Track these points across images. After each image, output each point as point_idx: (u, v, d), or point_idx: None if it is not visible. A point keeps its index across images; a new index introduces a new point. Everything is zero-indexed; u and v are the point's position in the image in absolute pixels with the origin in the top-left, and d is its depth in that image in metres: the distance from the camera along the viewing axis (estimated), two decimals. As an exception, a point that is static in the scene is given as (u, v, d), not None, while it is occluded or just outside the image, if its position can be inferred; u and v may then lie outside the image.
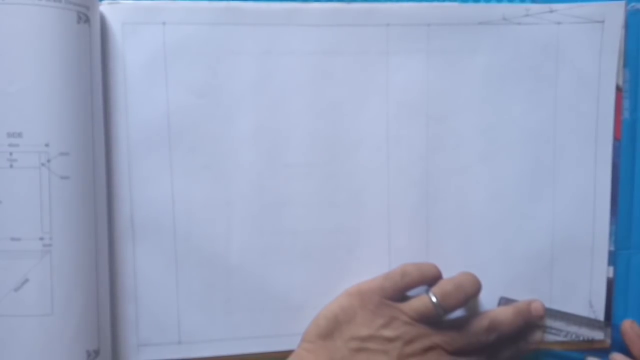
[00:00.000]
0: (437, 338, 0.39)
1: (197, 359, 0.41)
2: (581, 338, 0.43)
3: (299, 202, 0.41)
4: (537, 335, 0.42)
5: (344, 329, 0.38)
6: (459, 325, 0.40)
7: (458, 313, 0.40)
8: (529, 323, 0.41)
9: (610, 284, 0.43)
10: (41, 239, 0.36)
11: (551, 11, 0.42)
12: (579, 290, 0.43)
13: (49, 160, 0.36)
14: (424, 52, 0.41)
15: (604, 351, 0.43)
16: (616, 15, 0.42)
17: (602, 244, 0.43)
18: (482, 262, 0.42)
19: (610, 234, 0.43)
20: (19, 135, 0.35)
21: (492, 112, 0.42)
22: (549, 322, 0.42)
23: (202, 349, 0.41)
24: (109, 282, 0.39)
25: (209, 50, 0.40)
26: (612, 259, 0.43)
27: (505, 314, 0.40)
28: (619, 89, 0.42)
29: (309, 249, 0.41)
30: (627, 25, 0.42)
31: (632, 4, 0.42)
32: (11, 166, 0.35)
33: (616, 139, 0.42)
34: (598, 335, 0.43)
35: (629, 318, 0.43)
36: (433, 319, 0.39)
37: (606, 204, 0.43)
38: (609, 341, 0.43)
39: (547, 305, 0.42)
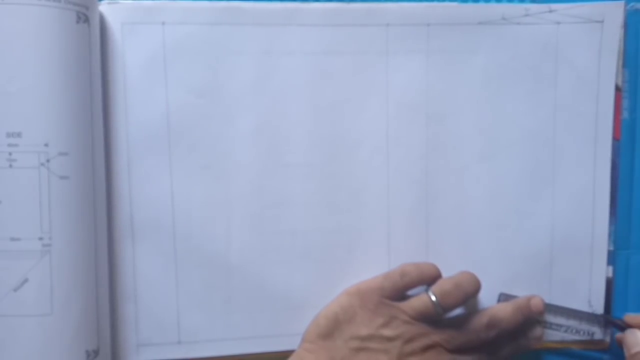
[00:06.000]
0: (436, 336, 0.39)
1: (197, 359, 0.41)
2: (581, 333, 0.43)
3: (299, 202, 0.41)
4: (537, 331, 0.42)
5: (344, 329, 0.38)
6: (458, 323, 0.40)
7: (457, 311, 0.41)
8: (529, 319, 0.41)
9: (609, 283, 0.43)
10: (40, 239, 0.35)
11: (550, 11, 0.42)
12: (578, 289, 0.43)
13: (48, 160, 0.35)
14: (423, 52, 0.41)
15: (604, 352, 0.43)
16: (615, 15, 0.42)
17: (602, 244, 0.43)
18: (481, 261, 0.42)
19: (610, 234, 0.43)
20: (19, 135, 0.35)
21: (492, 112, 0.42)
22: (549, 318, 0.42)
23: (202, 349, 0.41)
24: (109, 282, 0.39)
25: (209, 50, 0.40)
26: (611, 258, 0.43)
27: (504, 310, 0.40)
28: (618, 89, 0.42)
29: (309, 249, 0.41)
30: (627, 25, 0.42)
31: (632, 3, 0.42)
32: (10, 166, 0.35)
33: (615, 139, 0.43)
34: (598, 331, 0.43)
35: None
36: (433, 318, 0.39)
37: (605, 204, 0.43)
38: (608, 340, 0.43)
39: (547, 304, 0.42)
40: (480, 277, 0.40)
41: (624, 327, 0.41)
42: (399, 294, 0.40)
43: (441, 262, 0.41)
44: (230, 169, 0.41)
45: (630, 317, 0.41)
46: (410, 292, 0.40)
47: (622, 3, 0.42)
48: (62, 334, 0.36)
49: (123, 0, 0.39)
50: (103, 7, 0.39)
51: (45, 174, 0.35)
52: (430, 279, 0.40)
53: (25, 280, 0.35)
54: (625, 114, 0.43)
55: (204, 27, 0.40)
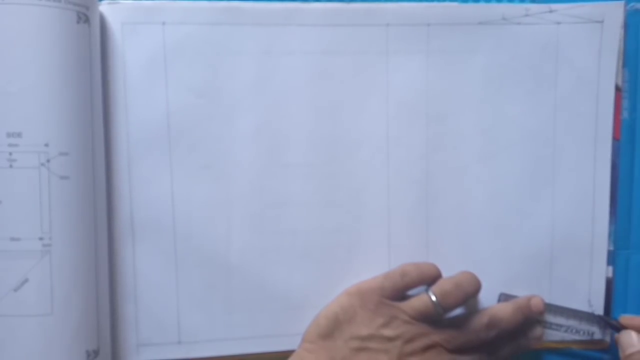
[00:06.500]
0: (437, 336, 0.39)
1: (197, 359, 0.41)
2: (581, 333, 0.43)
3: (299, 202, 0.41)
4: (537, 331, 0.42)
5: (345, 329, 0.38)
6: (458, 323, 0.40)
7: (458, 311, 0.41)
8: (529, 319, 0.41)
9: (609, 283, 0.43)
10: (41, 239, 0.36)
11: (551, 11, 0.42)
12: (578, 289, 0.43)
13: (48, 160, 0.35)
14: (423, 52, 0.41)
15: (604, 352, 0.43)
16: (615, 15, 0.42)
17: (601, 244, 0.43)
18: (481, 261, 0.42)
19: (610, 234, 0.43)
20: (19, 135, 0.35)
21: (492, 112, 0.42)
22: (549, 318, 0.43)
23: (202, 349, 0.41)
24: (109, 282, 0.39)
25: (209, 50, 0.40)
26: (611, 258, 0.43)
27: (504, 310, 0.40)
28: (618, 89, 0.42)
29: (309, 249, 0.41)
30: (627, 25, 0.42)
31: (632, 4, 0.42)
32: (11, 166, 0.35)
33: (615, 139, 0.43)
34: (598, 331, 0.43)
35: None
36: (433, 318, 0.39)
37: (605, 204, 0.43)
38: (608, 340, 0.43)
39: (547, 304, 0.42)
40: (481, 277, 0.40)
41: (619, 328, 0.41)
42: (399, 294, 0.40)
43: (441, 262, 0.41)
44: (230, 169, 0.41)
45: (625, 318, 0.41)
46: (410, 292, 0.40)
47: (622, 3, 0.42)
48: (62, 334, 0.36)
49: (123, 0, 0.39)
50: (103, 7, 0.39)
51: (45, 174, 0.36)
52: (431, 279, 0.40)
53: (26, 280, 0.35)
54: (625, 114, 0.43)
55: (204, 27, 0.40)
